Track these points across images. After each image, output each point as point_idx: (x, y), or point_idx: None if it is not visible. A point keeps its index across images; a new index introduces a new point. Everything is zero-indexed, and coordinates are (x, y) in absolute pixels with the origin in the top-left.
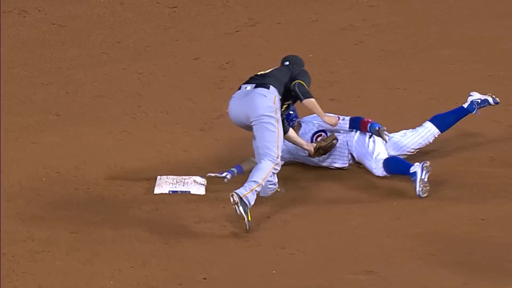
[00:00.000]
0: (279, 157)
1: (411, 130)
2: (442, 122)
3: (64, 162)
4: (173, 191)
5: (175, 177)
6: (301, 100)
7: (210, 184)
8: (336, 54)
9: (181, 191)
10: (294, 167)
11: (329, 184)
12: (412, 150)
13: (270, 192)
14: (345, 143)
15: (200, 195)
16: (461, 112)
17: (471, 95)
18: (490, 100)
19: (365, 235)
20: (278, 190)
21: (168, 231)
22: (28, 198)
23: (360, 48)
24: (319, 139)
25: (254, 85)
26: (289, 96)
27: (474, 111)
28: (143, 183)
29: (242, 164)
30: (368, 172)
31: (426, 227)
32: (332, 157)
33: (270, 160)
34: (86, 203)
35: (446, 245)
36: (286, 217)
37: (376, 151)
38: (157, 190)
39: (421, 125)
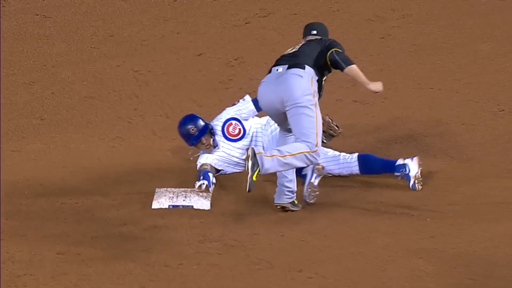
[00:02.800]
0: (318, 147)
1: (337, 153)
2: (367, 165)
3: (49, 173)
4: (173, 206)
5: (175, 189)
6: (342, 69)
7: (216, 198)
8: (361, 49)
9: (183, 206)
10: None
11: (350, 197)
12: (325, 172)
13: (286, 200)
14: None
15: (204, 210)
16: (389, 167)
17: (411, 160)
18: (411, 181)
19: (393, 256)
20: (295, 202)
21: (168, 251)
22: (8, 214)
23: (387, 42)
24: (230, 128)
25: (286, 66)
26: (324, 71)
27: (399, 173)
28: (139, 196)
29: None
30: (397, 183)
31: (464, 248)
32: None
33: (307, 145)
34: (74, 219)
35: (486, 269)
36: (303, 235)
37: None
38: (155, 205)
39: (349, 154)
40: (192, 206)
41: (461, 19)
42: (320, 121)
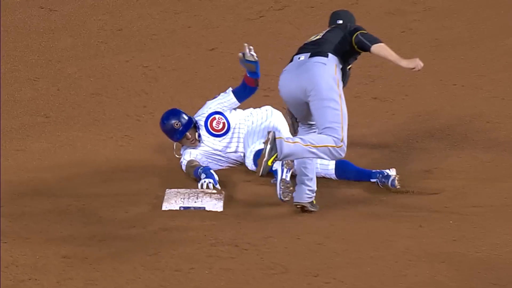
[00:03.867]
0: (344, 142)
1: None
2: (344, 170)
3: (54, 173)
4: (184, 208)
5: (186, 190)
6: (369, 48)
7: (229, 199)
8: None
9: (194, 208)
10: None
11: (369, 198)
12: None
13: (306, 199)
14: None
15: (216, 211)
16: (364, 175)
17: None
18: (391, 178)
19: (414, 260)
20: (314, 202)
21: (179, 255)
22: (11, 216)
23: (408, 36)
24: (214, 123)
25: (308, 54)
26: (349, 58)
27: (375, 179)
28: (148, 198)
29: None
30: (416, 185)
31: (487, 251)
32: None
33: (333, 140)
34: (80, 222)
35: (511, 273)
36: (319, 238)
37: (255, 141)
38: (165, 206)
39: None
40: (204, 207)
41: (486, 12)
42: (346, 114)
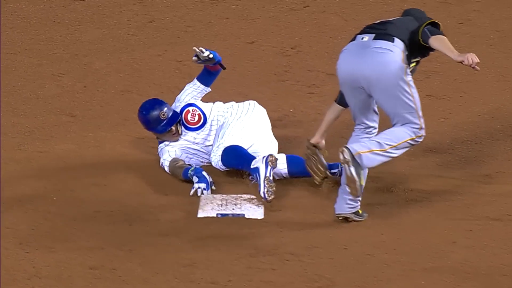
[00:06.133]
0: (423, 127)
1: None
2: (296, 164)
3: (80, 177)
4: (222, 215)
5: (224, 196)
6: (427, 40)
7: (270, 206)
8: None
9: (233, 215)
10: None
11: (422, 204)
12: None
13: (348, 210)
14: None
15: (256, 219)
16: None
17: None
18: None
19: (473, 273)
20: (360, 211)
21: (216, 266)
22: (34, 223)
23: (467, 28)
24: (188, 116)
25: (373, 35)
26: (416, 51)
27: (336, 170)
28: (183, 204)
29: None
30: (470, 190)
31: None
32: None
33: (412, 131)
34: (108, 230)
35: None
36: (368, 248)
37: (224, 136)
38: (201, 214)
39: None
40: (243, 214)
41: None
42: (419, 100)
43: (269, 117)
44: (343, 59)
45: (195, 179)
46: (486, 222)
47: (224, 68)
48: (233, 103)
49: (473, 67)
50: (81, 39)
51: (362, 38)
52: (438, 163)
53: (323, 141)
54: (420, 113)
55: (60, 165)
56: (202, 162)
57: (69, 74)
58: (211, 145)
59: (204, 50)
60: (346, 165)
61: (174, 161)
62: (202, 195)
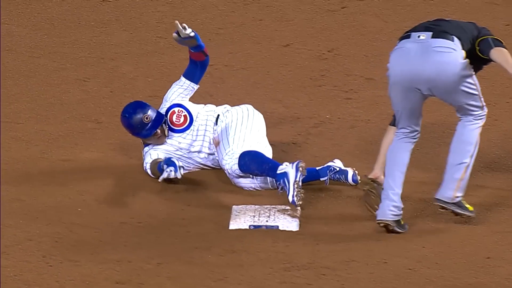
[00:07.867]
0: (485, 107)
1: None
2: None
3: (106, 187)
4: (255, 227)
5: (256, 207)
6: (488, 51)
7: (305, 218)
8: None
9: (266, 227)
10: (410, 185)
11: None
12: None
13: (391, 217)
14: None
15: (291, 231)
16: (311, 175)
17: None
18: (350, 175)
19: None
20: (402, 222)
21: (248, 281)
22: (58, 235)
23: None
24: (173, 117)
25: (430, 33)
26: (472, 60)
27: (325, 178)
28: (213, 215)
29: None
30: None
31: None
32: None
33: (479, 118)
34: (136, 243)
35: None
36: (410, 262)
37: (236, 140)
38: (233, 225)
39: None
40: (277, 226)
41: None
42: (479, 83)
43: (305, 124)
44: (397, 59)
45: (165, 167)
46: None
47: (206, 55)
48: (227, 106)
49: None
50: (107, 42)
51: (419, 36)
52: (483, 173)
53: (382, 176)
54: (481, 95)
55: (85, 174)
56: (188, 169)
57: (94, 79)
58: (196, 151)
59: (187, 27)
60: (447, 209)
61: (154, 162)
62: (234, 206)
